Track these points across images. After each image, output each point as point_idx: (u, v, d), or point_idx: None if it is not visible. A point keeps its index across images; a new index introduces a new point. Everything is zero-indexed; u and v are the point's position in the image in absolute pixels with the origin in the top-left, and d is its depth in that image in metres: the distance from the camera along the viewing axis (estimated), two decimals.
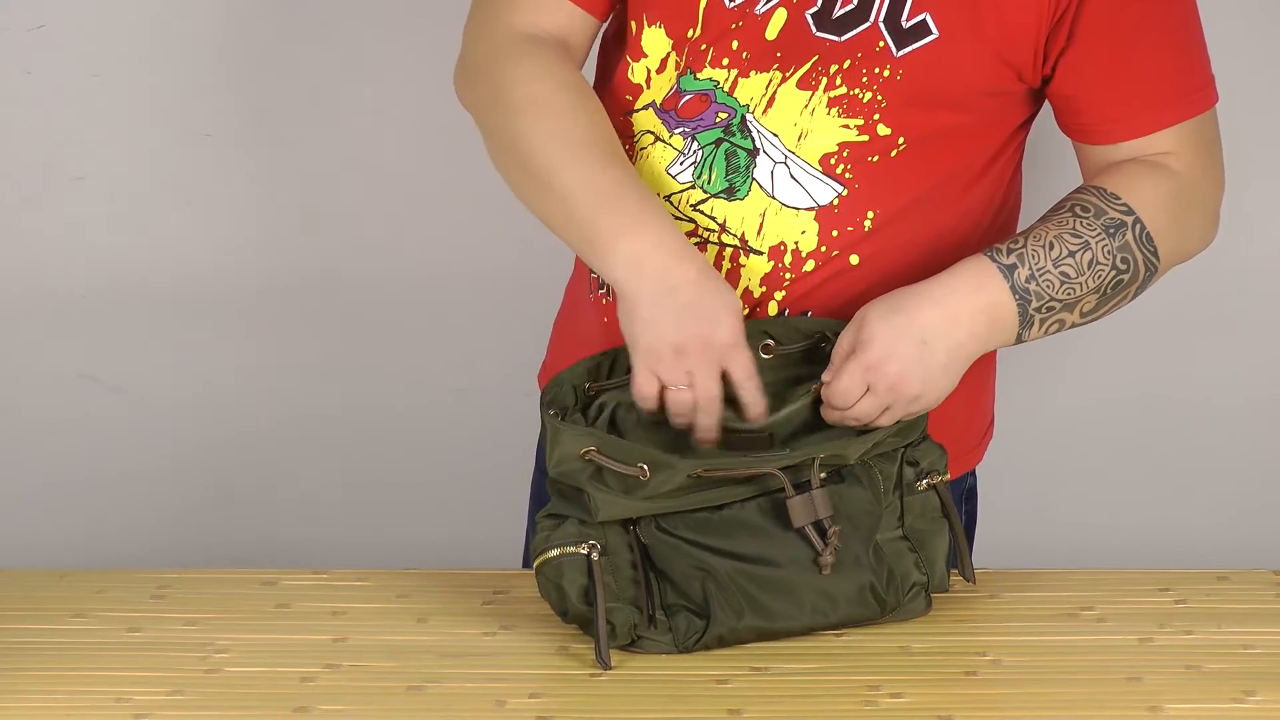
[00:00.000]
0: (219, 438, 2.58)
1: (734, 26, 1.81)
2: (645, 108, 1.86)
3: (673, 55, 1.84)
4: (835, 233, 1.82)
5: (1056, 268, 1.77)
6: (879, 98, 1.79)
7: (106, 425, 2.57)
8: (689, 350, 1.71)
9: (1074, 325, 1.81)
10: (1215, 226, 1.90)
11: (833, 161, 1.81)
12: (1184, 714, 1.60)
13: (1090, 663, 1.69)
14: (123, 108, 2.48)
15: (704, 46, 1.82)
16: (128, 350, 2.56)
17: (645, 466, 1.69)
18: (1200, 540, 2.54)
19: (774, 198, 1.82)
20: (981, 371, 1.96)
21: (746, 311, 1.82)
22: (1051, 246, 1.78)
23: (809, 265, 1.82)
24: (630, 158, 1.86)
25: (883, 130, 1.80)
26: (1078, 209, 1.80)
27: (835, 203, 1.81)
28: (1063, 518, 2.58)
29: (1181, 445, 2.57)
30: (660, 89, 1.85)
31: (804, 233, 1.82)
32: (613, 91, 1.87)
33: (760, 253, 1.83)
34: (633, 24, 1.85)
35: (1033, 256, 1.77)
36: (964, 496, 2.00)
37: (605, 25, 1.91)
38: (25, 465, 2.59)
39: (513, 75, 1.82)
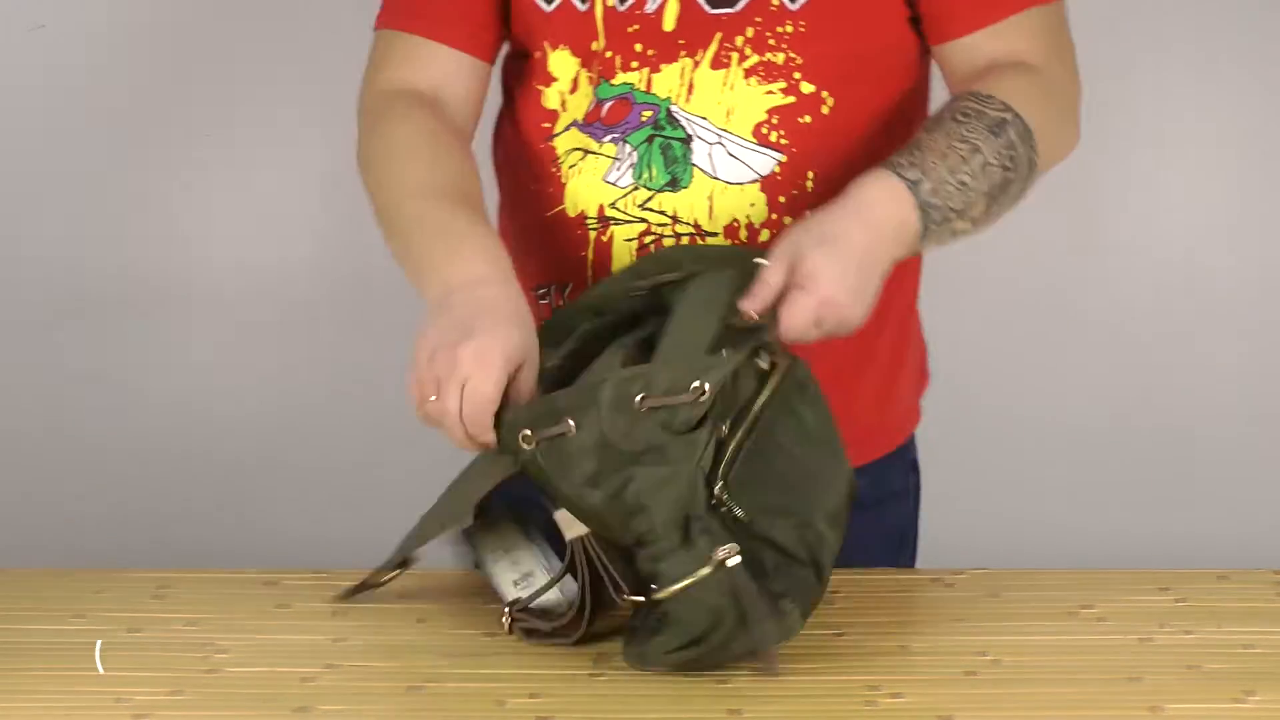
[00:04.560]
0: (219, 437, 2.58)
1: (631, 30, 1.83)
2: (566, 129, 1.87)
3: (581, 72, 1.86)
4: (782, 199, 1.83)
5: (954, 176, 1.76)
6: (792, 55, 1.82)
7: (106, 425, 2.57)
8: (437, 361, 1.67)
9: (960, 234, 1.80)
10: (1078, 129, 1.89)
11: (765, 130, 1.83)
12: (1184, 714, 1.60)
13: (1090, 663, 1.69)
14: (123, 108, 2.48)
15: (609, 54, 1.84)
16: (128, 350, 2.56)
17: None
18: (1200, 540, 2.54)
19: (717, 178, 1.84)
20: (904, 327, 1.97)
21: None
22: (946, 156, 1.76)
23: (764, 235, 1.84)
24: (558, 180, 1.87)
25: (806, 88, 1.82)
26: (959, 115, 1.80)
27: (777, 170, 1.83)
28: (1063, 518, 2.58)
29: (1182, 445, 2.57)
30: (578, 107, 1.86)
31: (753, 205, 1.84)
32: (526, 122, 1.89)
33: (715, 235, 1.84)
34: (536, 53, 1.88)
35: (932, 168, 1.76)
36: (909, 469, 2.01)
37: (502, 63, 1.94)
38: (25, 465, 2.59)
39: (365, 139, 1.90)
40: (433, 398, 1.67)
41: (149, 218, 2.52)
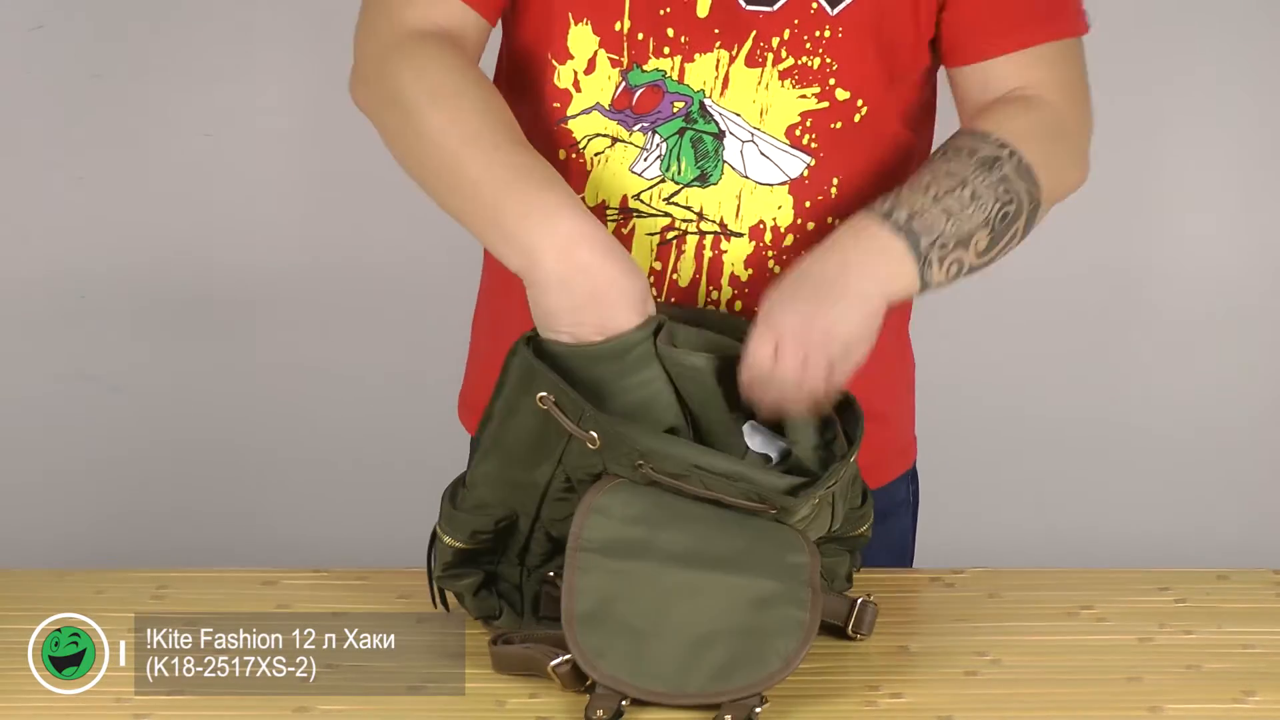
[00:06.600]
0: (219, 437, 2.58)
1: (663, 13, 1.79)
2: (587, 111, 1.82)
3: (601, 52, 1.81)
4: (808, 203, 1.81)
5: (937, 205, 1.75)
6: (828, 61, 1.79)
7: (106, 425, 2.57)
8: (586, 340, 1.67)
9: (975, 267, 1.78)
10: (1086, 166, 1.88)
11: (798, 132, 1.81)
12: (1184, 714, 1.60)
13: (1090, 663, 1.69)
14: (123, 108, 2.48)
15: (641, 36, 1.80)
16: (128, 350, 2.56)
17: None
18: (1200, 540, 2.54)
19: (748, 177, 1.81)
20: (898, 361, 1.96)
21: (717, 295, 1.82)
22: (928, 188, 1.75)
23: (788, 240, 1.82)
24: (579, 166, 1.82)
25: (841, 95, 1.80)
26: (949, 152, 1.79)
27: (805, 174, 1.81)
28: (1063, 518, 2.59)
29: (1182, 445, 2.57)
30: (599, 89, 1.82)
31: (780, 208, 1.81)
32: (534, 102, 1.83)
33: (740, 235, 1.82)
34: (552, 24, 1.81)
35: (909, 200, 1.74)
36: (911, 479, 2.02)
37: (509, 34, 1.87)
38: (25, 465, 2.59)
39: (405, 71, 1.75)
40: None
41: (146, 217, 2.52)
